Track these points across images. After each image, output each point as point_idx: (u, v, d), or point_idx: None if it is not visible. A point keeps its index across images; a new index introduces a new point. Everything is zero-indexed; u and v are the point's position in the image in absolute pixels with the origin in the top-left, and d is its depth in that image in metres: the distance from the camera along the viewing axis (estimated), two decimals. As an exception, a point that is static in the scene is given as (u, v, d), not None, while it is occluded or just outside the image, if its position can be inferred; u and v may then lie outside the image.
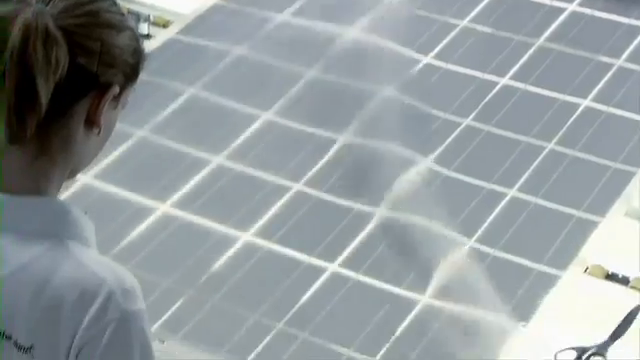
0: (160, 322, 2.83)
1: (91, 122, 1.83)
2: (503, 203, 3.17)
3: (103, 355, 1.94)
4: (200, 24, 3.82)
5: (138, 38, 2.08)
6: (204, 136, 3.40)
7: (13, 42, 1.75)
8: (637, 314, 2.80)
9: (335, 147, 3.34)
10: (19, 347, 1.89)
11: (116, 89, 1.93)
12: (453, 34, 3.74)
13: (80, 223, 2.09)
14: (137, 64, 2.03)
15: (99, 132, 1.81)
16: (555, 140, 3.37)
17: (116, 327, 1.94)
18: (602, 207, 3.16)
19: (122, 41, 2.00)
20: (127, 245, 3.08)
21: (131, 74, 2.00)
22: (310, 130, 3.39)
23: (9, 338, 1.93)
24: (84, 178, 3.29)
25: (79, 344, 1.93)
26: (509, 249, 3.03)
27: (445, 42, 3.71)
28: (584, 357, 2.71)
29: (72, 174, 1.92)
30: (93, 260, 2.02)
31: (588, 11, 3.78)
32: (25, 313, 1.97)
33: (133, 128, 3.40)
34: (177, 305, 2.89)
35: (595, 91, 3.49)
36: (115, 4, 2.10)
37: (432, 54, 3.67)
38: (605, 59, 3.60)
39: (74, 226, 2.06)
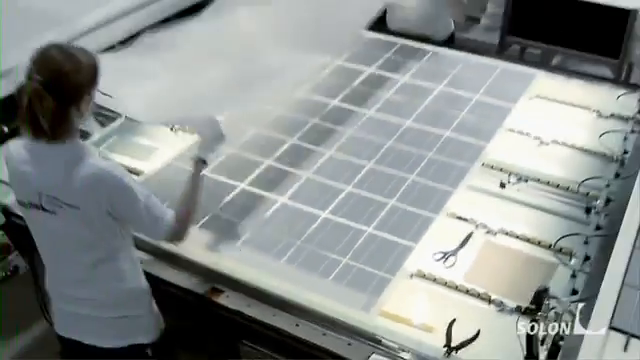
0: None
1: (81, 114, 2.96)
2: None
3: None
4: None
5: (92, 63, 2.93)
6: None
7: (27, 100, 2.92)
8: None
9: None
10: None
11: (87, 97, 2.93)
12: None
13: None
14: (95, 76, 2.87)
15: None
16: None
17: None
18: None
19: (82, 76, 2.85)
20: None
21: (93, 83, 2.91)
22: None
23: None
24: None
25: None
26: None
27: None
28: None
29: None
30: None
31: None
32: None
33: None
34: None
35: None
36: (62, 48, 2.95)
37: None
38: None
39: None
